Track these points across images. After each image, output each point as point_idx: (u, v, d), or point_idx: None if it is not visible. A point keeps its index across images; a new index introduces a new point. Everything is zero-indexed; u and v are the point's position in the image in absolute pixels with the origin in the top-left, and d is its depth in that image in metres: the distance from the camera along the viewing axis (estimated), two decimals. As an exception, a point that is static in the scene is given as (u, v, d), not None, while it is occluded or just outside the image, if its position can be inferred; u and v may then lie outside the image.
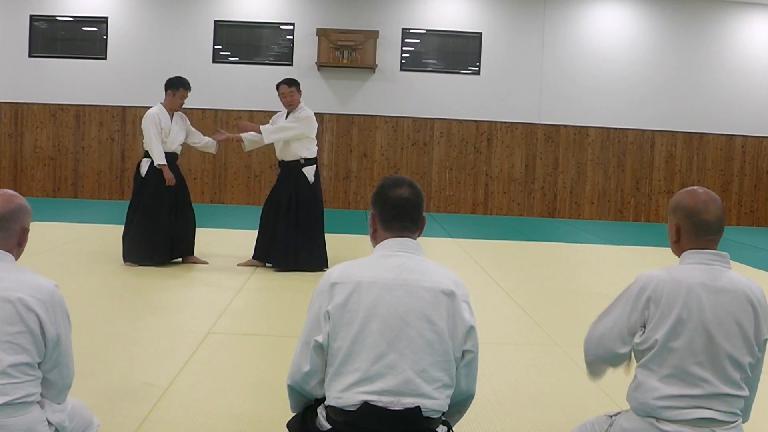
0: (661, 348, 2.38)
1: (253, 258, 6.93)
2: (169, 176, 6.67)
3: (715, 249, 2.50)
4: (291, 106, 6.88)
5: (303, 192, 6.84)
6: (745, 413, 2.47)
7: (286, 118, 6.88)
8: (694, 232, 2.49)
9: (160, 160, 6.63)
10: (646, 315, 2.40)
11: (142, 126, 6.77)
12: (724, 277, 2.41)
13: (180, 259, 6.92)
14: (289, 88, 6.83)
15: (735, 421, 2.37)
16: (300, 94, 6.93)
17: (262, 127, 6.90)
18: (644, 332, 2.41)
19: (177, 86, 6.76)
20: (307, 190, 6.86)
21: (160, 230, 6.69)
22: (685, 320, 2.37)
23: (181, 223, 6.86)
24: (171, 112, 6.80)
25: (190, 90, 6.88)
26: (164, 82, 6.87)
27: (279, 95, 6.90)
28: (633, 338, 2.43)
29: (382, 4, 13.06)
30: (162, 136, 6.68)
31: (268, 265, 6.88)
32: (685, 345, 2.36)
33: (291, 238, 6.78)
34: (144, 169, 6.77)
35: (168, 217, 6.74)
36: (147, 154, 6.78)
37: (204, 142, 7.10)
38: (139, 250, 6.67)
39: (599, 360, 2.57)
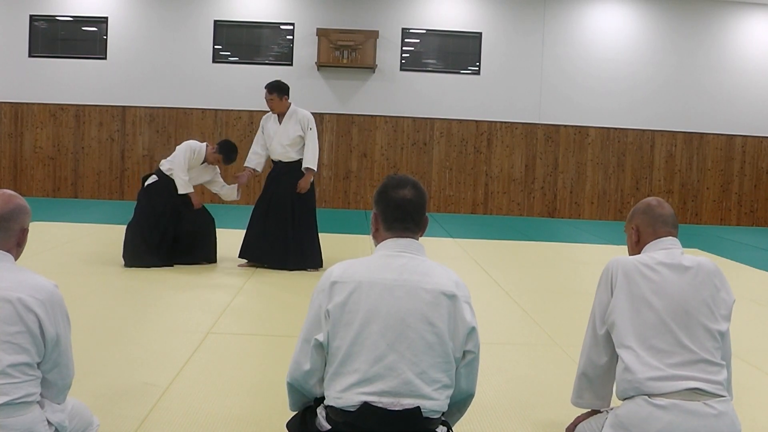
0: (631, 321, 2.52)
1: (240, 256, 6.88)
2: (196, 201, 6.81)
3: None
4: (275, 111, 6.84)
5: (303, 192, 6.86)
6: (728, 390, 2.55)
7: (280, 122, 6.82)
8: (652, 225, 2.72)
9: (184, 190, 6.70)
10: (611, 289, 2.66)
11: (178, 149, 6.79)
12: (684, 257, 2.65)
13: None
14: (270, 96, 6.77)
15: (724, 396, 2.43)
16: (288, 97, 6.83)
17: (306, 168, 6.80)
18: (611, 305, 2.63)
19: (227, 159, 6.83)
20: (306, 190, 6.89)
21: (156, 235, 6.67)
22: (647, 294, 2.56)
23: (186, 230, 6.81)
24: (207, 160, 6.88)
25: (229, 164, 6.98)
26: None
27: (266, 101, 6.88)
28: (605, 318, 2.66)
29: (382, 4, 13.06)
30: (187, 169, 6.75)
31: (265, 265, 6.86)
32: (654, 317, 2.53)
33: (292, 238, 6.79)
34: (148, 182, 6.84)
35: (169, 224, 6.72)
36: (158, 173, 6.81)
37: (226, 190, 7.06)
38: (134, 254, 6.64)
39: (590, 359, 2.75)
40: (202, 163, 6.88)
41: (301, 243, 6.82)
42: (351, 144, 13.13)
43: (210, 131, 12.96)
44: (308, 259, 6.83)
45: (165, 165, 6.82)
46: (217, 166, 7.03)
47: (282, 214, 6.79)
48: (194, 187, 6.85)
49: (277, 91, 6.78)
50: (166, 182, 6.74)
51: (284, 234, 6.78)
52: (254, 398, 3.46)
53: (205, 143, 6.94)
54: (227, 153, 6.84)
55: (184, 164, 6.69)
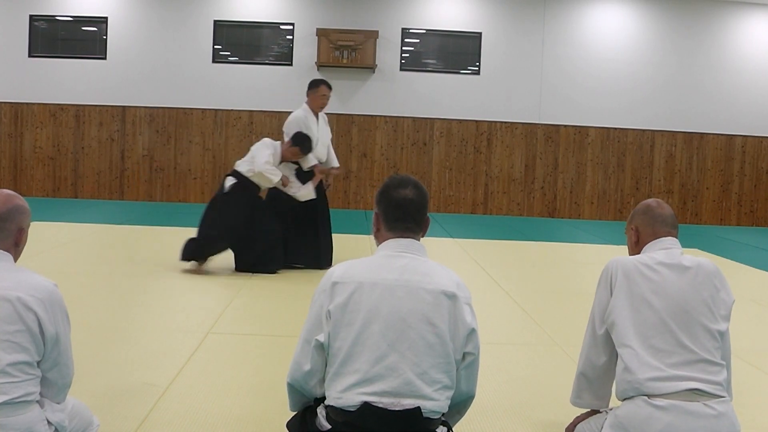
0: (631, 320, 2.53)
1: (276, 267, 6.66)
2: (286, 180, 6.61)
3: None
4: (322, 109, 6.90)
5: (324, 191, 7.04)
6: (728, 390, 2.54)
7: (318, 122, 6.85)
8: (651, 225, 2.73)
9: (276, 177, 6.49)
10: (610, 289, 2.67)
11: (258, 145, 6.58)
12: (684, 257, 2.65)
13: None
14: (329, 93, 6.85)
15: (723, 397, 2.43)
16: None
17: (334, 167, 7.05)
18: (610, 304, 2.64)
19: (305, 149, 6.57)
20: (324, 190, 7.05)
21: (229, 240, 6.51)
22: (647, 294, 2.56)
23: (257, 237, 6.59)
24: (283, 158, 6.65)
25: (307, 154, 6.67)
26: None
27: (318, 95, 6.76)
28: (605, 318, 2.66)
29: (382, 4, 13.06)
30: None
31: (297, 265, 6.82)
32: (654, 316, 2.53)
33: (324, 236, 6.89)
34: (227, 185, 6.57)
35: (242, 230, 6.51)
36: (235, 174, 6.57)
37: (304, 190, 6.74)
38: (193, 246, 6.47)
39: (589, 358, 2.75)
40: (280, 163, 6.62)
41: (328, 240, 6.94)
42: (351, 144, 13.13)
43: (210, 131, 12.96)
44: (330, 255, 6.94)
45: (243, 166, 6.56)
46: (292, 165, 6.75)
47: (313, 215, 6.84)
48: (270, 190, 6.74)
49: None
50: (246, 184, 6.53)
51: (315, 233, 6.82)
52: (254, 398, 3.46)
53: (278, 141, 6.68)
54: (303, 142, 6.54)
55: (267, 156, 6.44)
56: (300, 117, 6.77)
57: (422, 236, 2.43)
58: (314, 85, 6.83)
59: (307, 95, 6.83)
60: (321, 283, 2.33)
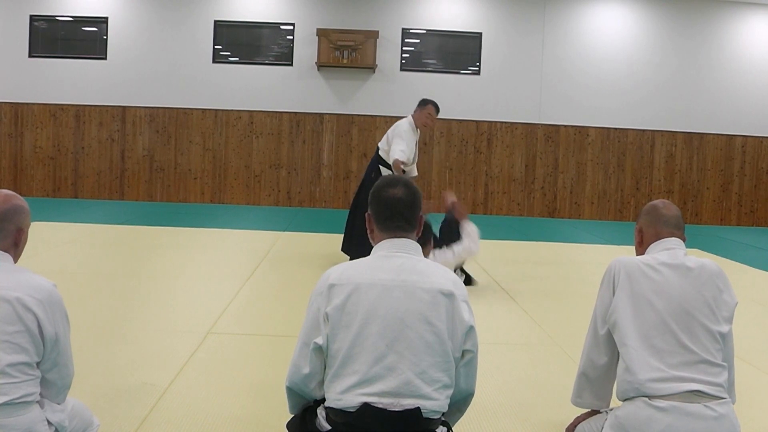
0: (633, 320, 2.53)
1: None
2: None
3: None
4: (424, 127, 7.01)
5: None
6: (730, 392, 2.54)
7: (416, 138, 7.02)
8: (654, 225, 2.74)
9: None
10: (612, 289, 2.67)
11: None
12: (687, 258, 2.64)
13: None
14: (435, 113, 7.00)
15: (724, 398, 2.43)
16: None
17: (413, 176, 7.16)
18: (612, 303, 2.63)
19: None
20: None
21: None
22: (649, 294, 2.56)
23: None
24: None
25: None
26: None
27: (424, 112, 6.92)
28: (608, 318, 2.66)
29: (382, 4, 13.06)
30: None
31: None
32: (656, 317, 2.53)
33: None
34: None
35: None
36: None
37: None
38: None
39: (590, 359, 2.75)
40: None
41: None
42: (351, 144, 13.12)
43: (210, 131, 12.96)
44: None
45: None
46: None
47: None
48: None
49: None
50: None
51: None
52: (254, 398, 3.46)
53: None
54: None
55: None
56: (405, 125, 7.00)
57: (417, 235, 2.42)
58: (424, 103, 7.01)
59: (415, 110, 7.03)
60: (317, 285, 2.32)
